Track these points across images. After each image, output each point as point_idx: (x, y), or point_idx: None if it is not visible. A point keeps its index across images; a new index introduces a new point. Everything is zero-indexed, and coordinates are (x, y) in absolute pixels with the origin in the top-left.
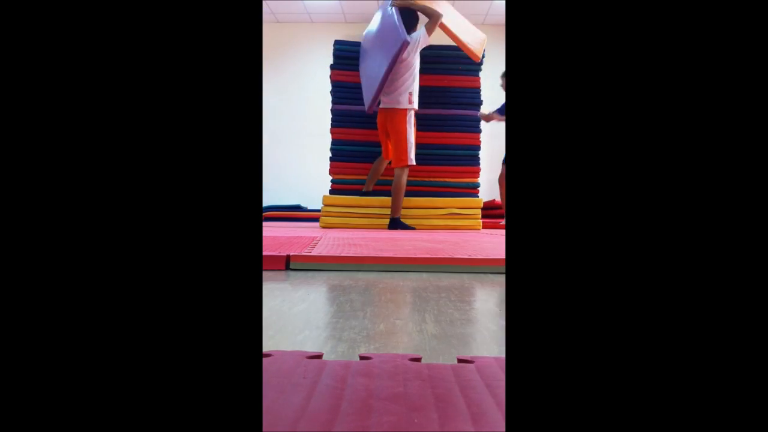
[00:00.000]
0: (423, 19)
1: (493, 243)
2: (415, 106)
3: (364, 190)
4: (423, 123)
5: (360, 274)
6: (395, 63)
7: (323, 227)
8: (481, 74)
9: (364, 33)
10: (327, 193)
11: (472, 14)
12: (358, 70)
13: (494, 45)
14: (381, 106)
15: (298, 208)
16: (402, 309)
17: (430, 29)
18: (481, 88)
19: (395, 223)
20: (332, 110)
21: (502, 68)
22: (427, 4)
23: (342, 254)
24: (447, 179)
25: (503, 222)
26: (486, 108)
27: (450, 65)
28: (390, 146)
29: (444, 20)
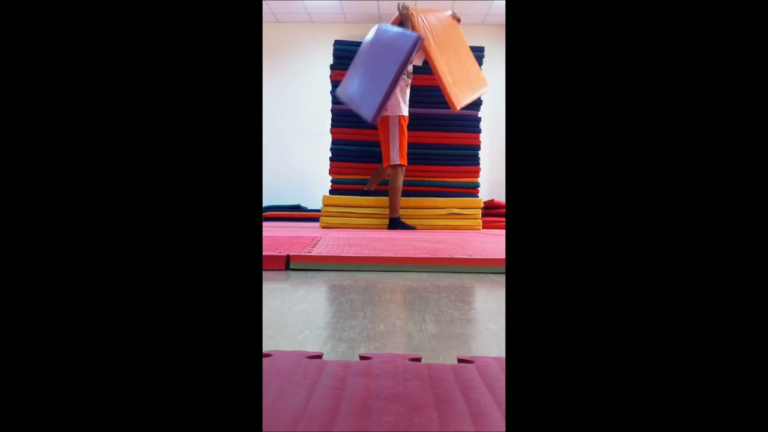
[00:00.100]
0: None
1: (493, 243)
2: (402, 111)
3: (365, 188)
4: (423, 123)
5: (360, 274)
6: (407, 63)
7: (323, 227)
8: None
9: (351, 63)
10: (327, 193)
11: (472, 14)
12: None
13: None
14: None
15: (298, 208)
16: (402, 309)
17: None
18: None
19: (395, 223)
20: (332, 110)
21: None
22: (434, 19)
23: (342, 254)
24: (447, 179)
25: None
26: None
27: None
28: None
29: (433, 50)
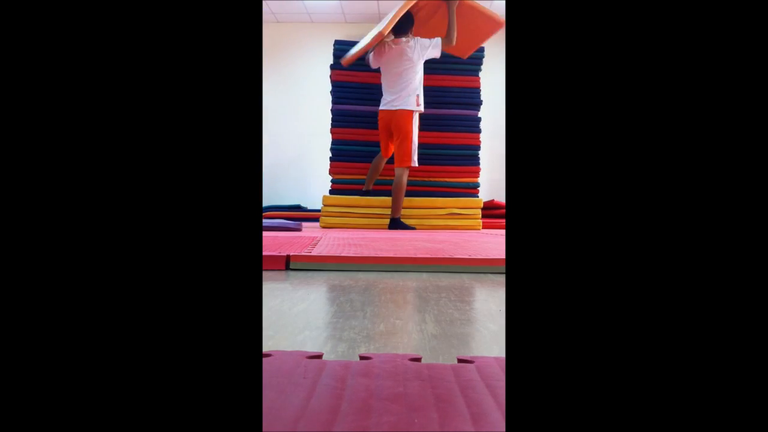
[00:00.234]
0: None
1: (493, 243)
2: (422, 108)
3: (364, 189)
4: (423, 123)
5: (360, 274)
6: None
7: (323, 227)
8: (480, 74)
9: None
10: (327, 193)
11: None
12: (358, 71)
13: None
14: (386, 107)
15: (298, 208)
16: (402, 309)
17: (444, 46)
18: (481, 88)
19: (395, 223)
20: (332, 110)
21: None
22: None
23: (342, 254)
24: (447, 179)
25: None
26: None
27: (450, 65)
28: (392, 146)
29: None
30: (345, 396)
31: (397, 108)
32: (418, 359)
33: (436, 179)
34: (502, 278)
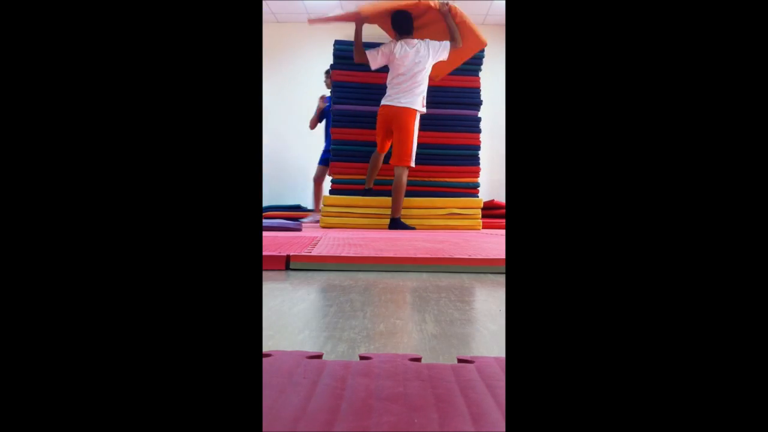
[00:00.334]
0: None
1: (493, 243)
2: (425, 110)
3: (365, 188)
4: (423, 123)
5: (360, 274)
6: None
7: (323, 227)
8: (480, 74)
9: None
10: (327, 193)
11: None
12: (358, 71)
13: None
14: (391, 102)
15: (298, 208)
16: (402, 309)
17: (451, 48)
18: (481, 88)
19: (395, 223)
20: (332, 110)
21: (503, 68)
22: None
23: (342, 254)
24: (447, 179)
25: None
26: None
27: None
28: (388, 142)
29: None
30: (345, 396)
31: (403, 105)
32: (418, 359)
33: (436, 179)
34: (502, 278)
